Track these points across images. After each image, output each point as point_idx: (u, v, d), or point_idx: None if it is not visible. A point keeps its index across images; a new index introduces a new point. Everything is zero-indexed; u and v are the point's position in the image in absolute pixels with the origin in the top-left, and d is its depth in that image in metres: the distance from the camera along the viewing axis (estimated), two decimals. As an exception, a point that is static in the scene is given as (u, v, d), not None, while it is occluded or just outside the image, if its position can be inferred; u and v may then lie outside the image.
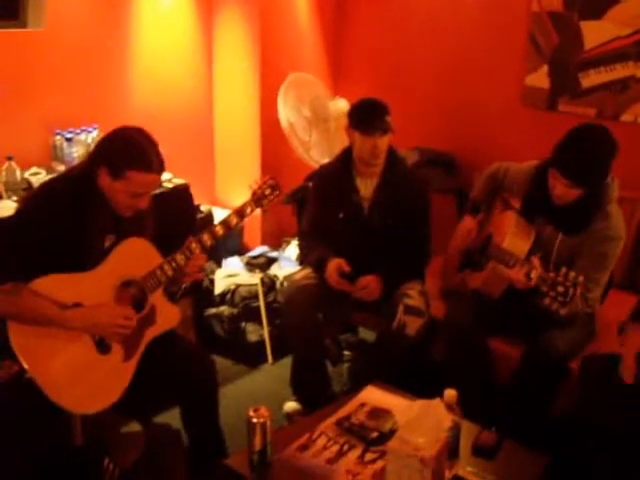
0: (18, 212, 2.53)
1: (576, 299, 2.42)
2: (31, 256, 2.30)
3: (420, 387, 2.63)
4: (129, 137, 2.39)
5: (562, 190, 2.73)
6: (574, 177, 2.68)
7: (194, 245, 2.59)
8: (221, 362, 3.78)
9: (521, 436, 2.46)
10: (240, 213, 2.72)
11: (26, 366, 2.27)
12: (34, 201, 2.45)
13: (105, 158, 2.37)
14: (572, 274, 2.41)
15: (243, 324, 3.87)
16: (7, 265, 2.31)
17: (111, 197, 2.40)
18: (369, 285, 3.11)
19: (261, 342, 3.88)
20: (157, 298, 2.55)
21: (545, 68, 3.92)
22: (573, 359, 2.81)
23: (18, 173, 3.46)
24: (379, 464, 2.23)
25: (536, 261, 2.61)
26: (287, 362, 3.49)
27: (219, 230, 2.66)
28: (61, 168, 3.66)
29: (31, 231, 2.32)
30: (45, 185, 2.54)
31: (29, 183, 3.47)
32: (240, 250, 4.49)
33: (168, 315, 2.60)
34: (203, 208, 4.24)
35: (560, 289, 2.41)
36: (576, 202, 2.76)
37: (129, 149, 2.36)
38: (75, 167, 2.61)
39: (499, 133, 4.12)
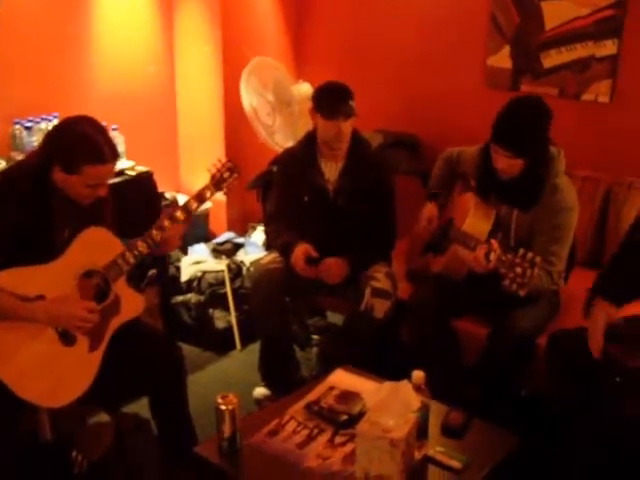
0: None
1: (535, 278, 2.44)
2: None
3: (389, 369, 2.64)
4: (78, 130, 2.34)
5: (504, 162, 2.76)
6: (511, 146, 2.71)
7: (155, 232, 2.56)
8: (189, 350, 3.76)
9: (490, 416, 2.48)
10: (200, 197, 2.69)
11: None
12: None
13: (56, 155, 2.33)
14: (529, 254, 2.42)
15: (210, 311, 3.86)
16: None
17: (68, 190, 2.37)
18: (330, 268, 3.11)
19: (229, 328, 3.86)
20: (120, 287, 2.53)
21: (507, 49, 3.92)
22: (539, 336, 2.84)
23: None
24: (349, 447, 2.24)
25: (495, 243, 2.63)
26: (255, 348, 3.48)
27: (179, 215, 2.63)
28: (21, 157, 3.61)
29: None
30: (1, 175, 2.50)
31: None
32: (206, 237, 4.47)
33: (132, 303, 2.57)
34: (168, 195, 4.21)
35: (518, 270, 2.42)
36: (522, 176, 2.79)
37: (80, 144, 2.31)
38: (29, 157, 2.57)
39: (463, 114, 4.12)
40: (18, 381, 2.26)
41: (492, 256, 2.56)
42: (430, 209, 3.16)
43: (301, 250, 3.09)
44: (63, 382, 2.38)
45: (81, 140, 2.32)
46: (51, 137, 2.41)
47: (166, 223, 2.59)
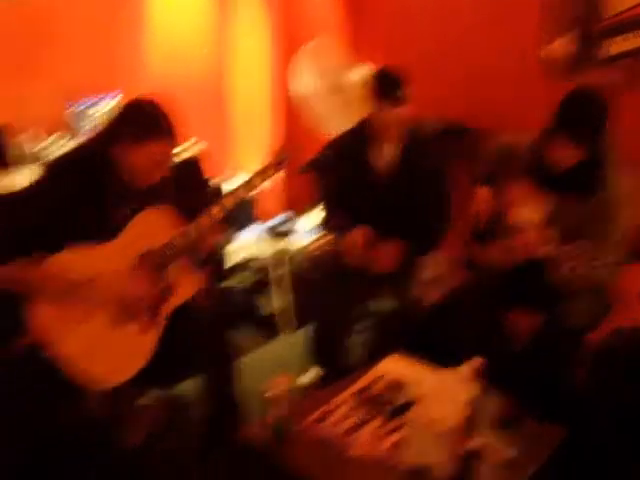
0: (35, 185, 2.52)
1: (587, 270, 2.39)
2: (47, 229, 2.29)
3: (439, 358, 2.61)
4: (147, 107, 2.38)
5: (563, 151, 2.70)
6: (574, 135, 2.66)
7: (216, 211, 2.57)
8: (239, 333, 3.78)
9: (539, 408, 2.44)
10: (259, 177, 2.69)
11: (45, 341, 2.27)
12: (50, 174, 2.43)
13: (124, 128, 2.36)
14: (583, 246, 2.38)
15: (261, 294, 3.87)
16: (24, 239, 2.30)
17: (128, 168, 2.39)
18: (385, 254, 3.09)
19: (279, 312, 3.87)
20: (176, 268, 2.54)
21: (566, 35, 3.82)
22: (589, 331, 2.79)
23: (39, 142, 3.47)
24: (398, 435, 2.22)
25: (547, 233, 2.58)
26: (306, 332, 3.48)
27: (240, 194, 2.63)
28: (81, 136, 3.66)
29: (47, 204, 2.31)
30: (61, 158, 2.53)
31: (50, 152, 3.47)
32: (259, 220, 4.48)
33: (188, 285, 2.59)
34: (218, 177, 4.23)
35: (571, 261, 2.38)
36: (578, 166, 2.74)
37: (148, 118, 2.35)
38: (91, 138, 2.60)
39: (517, 102, 4.04)
40: (73, 362, 2.30)
41: (543, 245, 2.52)
42: (483, 194, 3.12)
43: (359, 234, 3.08)
44: (117, 362, 2.40)
45: (149, 115, 2.36)
46: (120, 112, 2.43)
47: (229, 201, 2.59)
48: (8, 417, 2.40)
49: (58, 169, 2.42)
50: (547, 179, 2.86)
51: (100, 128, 2.57)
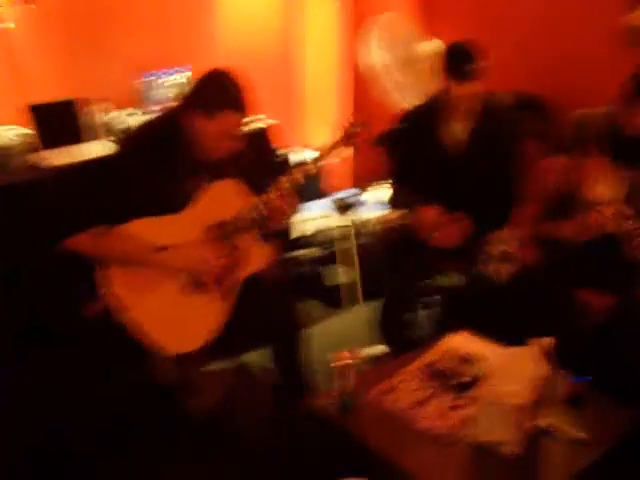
0: (112, 157, 2.59)
1: None
2: (123, 200, 2.35)
3: (508, 334, 2.59)
4: (223, 78, 2.41)
5: None
6: None
7: (286, 184, 2.58)
8: (307, 304, 3.81)
9: (610, 389, 2.40)
10: (330, 151, 2.70)
11: (116, 307, 2.33)
12: (126, 147, 2.49)
13: (199, 99, 2.40)
14: None
15: (331, 266, 3.89)
16: (100, 208, 2.36)
17: (203, 138, 2.42)
18: (452, 233, 3.09)
19: (348, 284, 3.88)
20: (249, 239, 2.58)
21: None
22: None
23: (114, 114, 3.54)
24: (467, 410, 2.21)
25: (624, 209, 2.52)
26: (374, 305, 3.49)
27: (311, 168, 2.64)
28: (155, 108, 3.72)
29: (121, 177, 2.37)
30: (137, 130, 2.58)
31: (125, 124, 3.54)
32: (329, 192, 4.49)
33: (260, 255, 2.63)
34: (290, 150, 4.24)
35: None
36: None
37: (222, 90, 2.39)
38: (167, 110, 2.63)
39: (595, 75, 3.92)
40: (147, 325, 2.36)
41: (619, 222, 2.47)
42: (557, 165, 3.05)
43: (430, 210, 3.08)
44: (191, 328, 2.46)
45: (223, 86, 2.39)
46: (196, 83, 2.47)
47: (299, 173, 2.60)
48: (79, 379, 2.48)
49: (134, 141, 2.48)
50: (625, 151, 2.78)
51: (174, 101, 2.61)
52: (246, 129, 3.55)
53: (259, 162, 3.59)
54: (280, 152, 4.22)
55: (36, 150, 3.16)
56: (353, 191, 4.43)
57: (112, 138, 3.40)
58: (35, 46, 3.44)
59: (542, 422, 2.13)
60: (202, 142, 2.43)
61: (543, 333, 2.23)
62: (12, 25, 3.31)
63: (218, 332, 2.49)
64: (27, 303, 2.94)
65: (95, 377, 2.69)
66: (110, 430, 2.74)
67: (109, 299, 2.32)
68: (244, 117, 2.44)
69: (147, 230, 2.35)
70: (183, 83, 3.78)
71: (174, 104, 2.60)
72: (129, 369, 2.61)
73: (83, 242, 2.32)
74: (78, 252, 2.33)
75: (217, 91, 2.39)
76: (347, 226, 3.94)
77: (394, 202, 3.57)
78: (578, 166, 3.01)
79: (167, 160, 2.41)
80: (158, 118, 2.60)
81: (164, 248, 2.39)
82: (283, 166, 3.95)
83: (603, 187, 2.80)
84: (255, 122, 3.72)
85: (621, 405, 2.30)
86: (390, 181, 3.46)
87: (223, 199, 2.52)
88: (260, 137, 3.80)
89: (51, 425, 2.84)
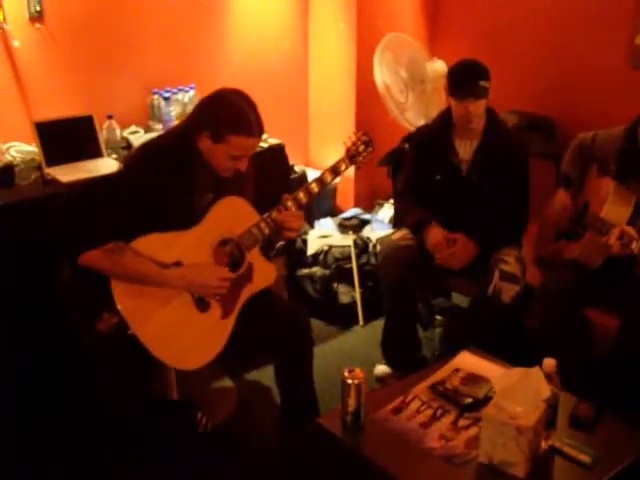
0: (121, 173, 2.59)
1: None
2: (133, 217, 2.35)
3: (513, 355, 2.59)
4: (230, 101, 2.40)
5: None
6: None
7: (290, 203, 2.59)
8: (313, 323, 3.76)
9: (621, 410, 2.39)
10: (334, 170, 2.71)
11: (129, 321, 2.33)
12: (136, 162, 2.49)
13: (206, 122, 2.38)
14: None
15: (335, 285, 3.89)
16: (110, 225, 2.36)
17: (211, 159, 2.43)
18: (460, 252, 3.07)
19: (352, 304, 3.88)
20: (254, 256, 2.58)
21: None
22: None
23: (118, 132, 3.55)
24: (473, 430, 2.20)
25: (632, 231, 2.52)
26: (378, 325, 3.49)
27: (314, 187, 2.66)
28: (158, 127, 3.73)
29: (134, 193, 2.37)
30: (147, 146, 2.57)
31: (128, 141, 3.55)
32: (333, 211, 4.50)
33: (265, 273, 2.62)
34: (297, 168, 4.25)
35: None
36: None
37: (230, 113, 2.37)
38: (175, 128, 2.65)
39: (605, 97, 3.94)
40: (155, 342, 2.35)
41: (634, 244, 2.47)
42: (563, 196, 3.06)
43: (440, 231, 3.09)
44: (196, 346, 2.45)
45: (232, 110, 2.37)
46: (203, 105, 2.46)
47: (301, 194, 2.61)
48: (93, 390, 2.48)
49: (144, 158, 2.48)
50: (635, 173, 2.79)
51: (179, 120, 2.62)
52: (261, 146, 3.59)
53: (275, 176, 3.62)
54: (296, 168, 4.24)
55: (47, 166, 3.18)
56: (355, 210, 4.44)
57: (114, 156, 3.41)
58: (41, 64, 3.46)
59: (550, 443, 2.13)
60: (210, 162, 2.43)
61: (552, 354, 2.22)
62: (17, 44, 3.33)
63: (222, 349, 2.49)
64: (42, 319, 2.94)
65: (107, 391, 2.69)
66: (119, 444, 2.74)
67: (122, 311, 2.32)
68: (252, 140, 2.42)
69: (155, 246, 2.35)
70: (186, 102, 3.80)
71: (182, 123, 2.61)
72: (140, 382, 2.61)
73: (96, 258, 2.32)
74: (92, 268, 2.33)
75: (223, 115, 2.37)
76: (348, 245, 3.94)
77: (397, 221, 3.58)
78: (591, 187, 3.02)
79: (179, 177, 2.41)
80: (167, 136, 2.61)
81: (172, 265, 2.39)
82: (300, 180, 3.98)
83: (610, 208, 2.80)
84: (270, 137, 3.73)
85: (632, 426, 2.29)
86: (393, 200, 3.47)
87: (231, 217, 2.53)
88: (277, 151, 3.81)
89: (61, 438, 2.85)
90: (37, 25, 3.38)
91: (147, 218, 2.34)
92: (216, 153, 2.40)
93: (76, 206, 2.58)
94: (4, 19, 3.25)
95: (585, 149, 3.07)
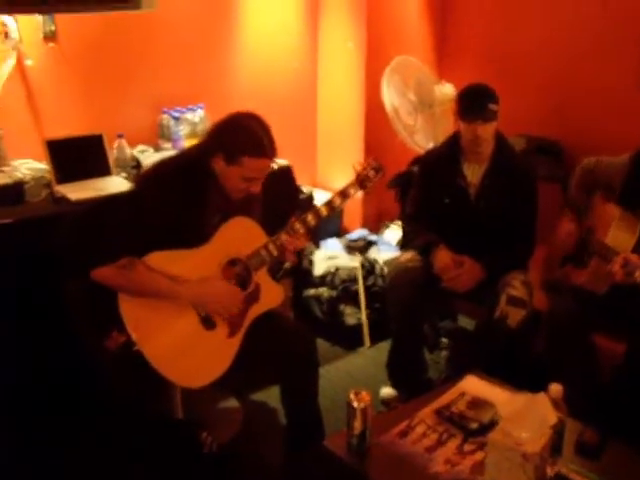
0: (135, 191, 2.61)
1: None
2: (145, 235, 2.36)
3: (519, 380, 2.58)
4: (244, 123, 2.43)
5: None
6: None
7: (298, 225, 2.61)
8: (318, 344, 3.77)
9: (627, 436, 2.38)
10: (344, 194, 2.71)
11: (135, 338, 2.34)
12: (151, 181, 2.51)
13: (220, 144, 2.42)
14: None
15: (342, 306, 3.89)
16: (123, 242, 2.38)
17: (225, 181, 2.45)
18: (466, 275, 3.08)
19: (359, 325, 3.88)
20: (261, 277, 2.59)
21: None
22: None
23: (127, 150, 3.57)
24: (478, 455, 2.20)
25: (636, 258, 2.53)
26: (384, 346, 3.49)
27: (323, 211, 2.66)
28: (168, 146, 3.76)
29: (146, 212, 2.39)
30: (161, 165, 2.58)
31: (137, 160, 3.57)
32: (339, 232, 4.50)
33: (272, 294, 2.63)
34: (304, 189, 4.26)
35: None
36: None
37: (244, 135, 2.40)
38: (190, 149, 2.67)
39: (614, 122, 3.95)
40: (161, 360, 2.36)
41: (631, 269, 2.47)
42: (567, 222, 3.06)
43: (448, 254, 3.09)
44: (201, 364, 2.46)
45: (245, 132, 2.41)
46: (218, 127, 2.49)
47: (309, 217, 2.62)
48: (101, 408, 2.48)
49: (156, 177, 2.50)
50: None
51: (198, 141, 2.64)
52: (272, 166, 3.60)
53: (283, 197, 3.63)
54: (304, 189, 4.25)
55: (57, 183, 3.21)
56: (361, 231, 4.45)
57: (123, 174, 3.43)
58: (54, 83, 3.49)
59: (552, 471, 2.12)
60: (224, 184, 2.46)
61: (551, 379, 2.22)
62: (30, 62, 3.37)
63: (228, 369, 2.49)
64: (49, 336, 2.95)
65: (115, 405, 2.69)
66: (122, 461, 2.74)
67: (130, 329, 2.33)
68: (266, 162, 2.46)
69: (165, 263, 2.37)
70: (196, 121, 3.82)
71: (197, 144, 2.63)
72: (144, 404, 2.61)
73: (109, 273, 2.33)
74: (104, 284, 2.34)
75: (238, 138, 2.40)
76: (355, 267, 3.95)
77: (404, 244, 3.58)
78: (590, 212, 3.03)
79: (193, 198, 2.43)
80: (182, 156, 2.65)
81: (186, 281, 2.40)
82: (307, 203, 3.99)
83: (615, 234, 2.80)
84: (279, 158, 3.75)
85: (635, 454, 2.28)
86: (401, 222, 3.47)
87: (239, 237, 2.54)
88: (285, 173, 3.83)
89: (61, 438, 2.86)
90: (50, 44, 3.42)
91: (159, 236, 2.35)
92: (230, 175, 2.43)
93: (87, 223, 2.60)
94: (20, 39, 3.29)
95: (590, 174, 3.07)
